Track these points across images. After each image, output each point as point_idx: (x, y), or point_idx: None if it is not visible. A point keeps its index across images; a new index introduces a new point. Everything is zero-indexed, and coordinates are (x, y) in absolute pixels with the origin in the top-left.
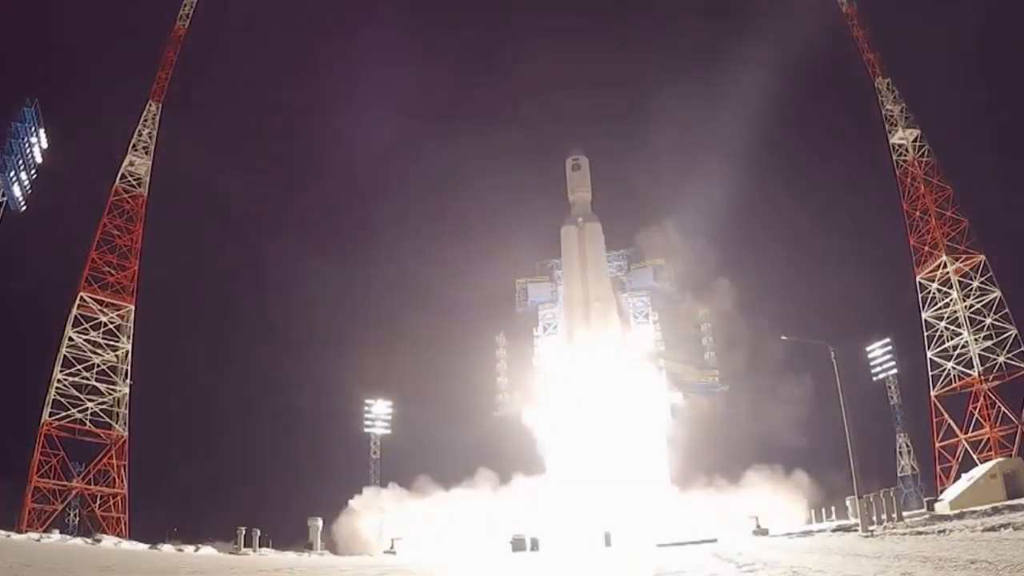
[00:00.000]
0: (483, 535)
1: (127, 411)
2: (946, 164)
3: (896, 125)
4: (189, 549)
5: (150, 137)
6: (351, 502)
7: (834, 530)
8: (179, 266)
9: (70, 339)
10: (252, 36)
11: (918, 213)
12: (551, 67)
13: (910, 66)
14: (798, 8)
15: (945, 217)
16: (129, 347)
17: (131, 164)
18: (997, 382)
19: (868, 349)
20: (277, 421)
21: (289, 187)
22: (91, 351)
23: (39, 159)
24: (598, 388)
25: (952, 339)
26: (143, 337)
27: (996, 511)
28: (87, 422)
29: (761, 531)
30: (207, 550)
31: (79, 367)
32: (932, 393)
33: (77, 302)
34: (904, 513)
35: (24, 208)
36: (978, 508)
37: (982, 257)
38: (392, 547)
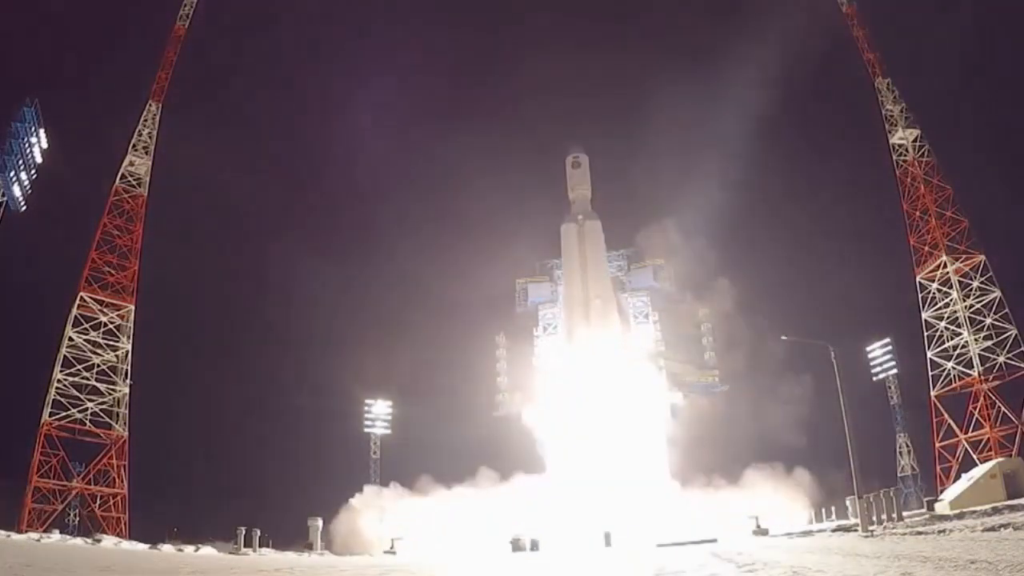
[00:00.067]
0: (483, 535)
1: (127, 411)
2: (946, 164)
3: (896, 125)
4: (189, 549)
5: (150, 137)
6: (352, 500)
7: (834, 530)
8: (179, 266)
9: (70, 339)
10: (252, 36)
11: (918, 213)
12: (551, 67)
13: (910, 66)
14: (798, 8)
15: (945, 217)
16: (129, 347)
17: (131, 164)
18: (997, 382)
19: (868, 349)
20: (277, 421)
21: (289, 187)
22: (91, 351)
23: (39, 159)
24: (598, 388)
25: (952, 339)
26: (143, 337)
27: (996, 511)
28: (87, 422)
29: (761, 531)
30: (207, 550)
31: (79, 367)
32: (932, 393)
33: (77, 302)
34: (904, 513)
35: (24, 208)
36: (978, 508)
37: (982, 257)
38: (392, 547)
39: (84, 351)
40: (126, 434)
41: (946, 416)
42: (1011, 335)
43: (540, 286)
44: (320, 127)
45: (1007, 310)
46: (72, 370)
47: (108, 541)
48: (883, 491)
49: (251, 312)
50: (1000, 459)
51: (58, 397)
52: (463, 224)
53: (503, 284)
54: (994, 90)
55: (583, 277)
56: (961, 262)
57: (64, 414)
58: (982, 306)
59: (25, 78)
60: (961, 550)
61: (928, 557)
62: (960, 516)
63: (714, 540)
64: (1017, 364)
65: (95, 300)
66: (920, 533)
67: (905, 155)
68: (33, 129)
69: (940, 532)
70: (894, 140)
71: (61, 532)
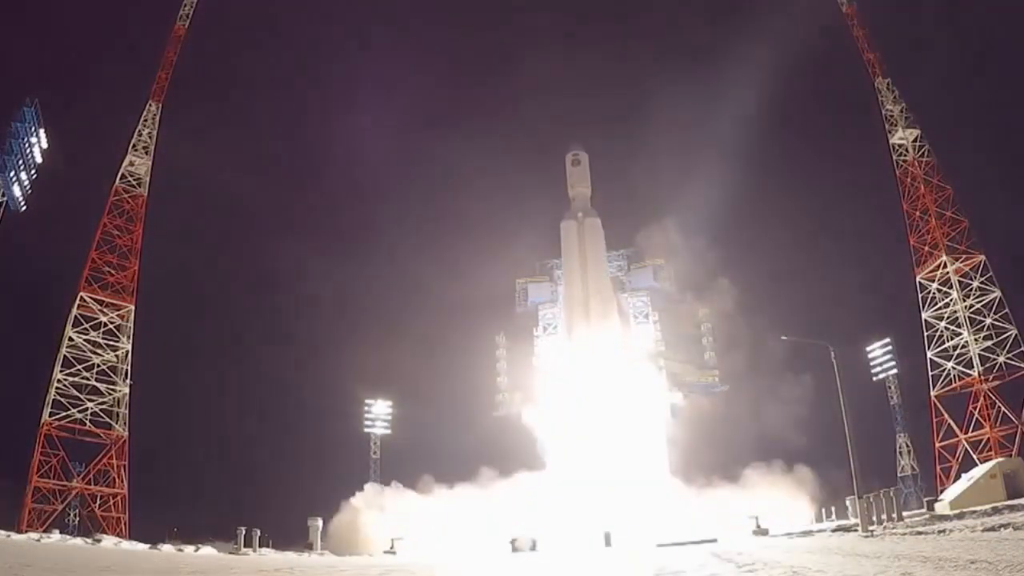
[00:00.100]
0: (483, 535)
1: (127, 411)
2: (946, 164)
3: (896, 125)
4: (189, 549)
5: (150, 137)
6: (353, 500)
7: (834, 530)
8: (179, 266)
9: (70, 339)
10: (252, 36)
11: (918, 213)
12: (551, 67)
13: (910, 66)
14: (798, 8)
15: (945, 217)
16: (129, 347)
17: (131, 164)
18: (997, 382)
19: (868, 349)
20: (277, 421)
21: (289, 187)
22: (91, 351)
23: (39, 159)
24: (598, 388)
25: (952, 339)
26: (143, 337)
27: (996, 511)
28: (87, 422)
29: (761, 531)
30: (207, 550)
31: (79, 367)
32: (932, 393)
33: (77, 302)
34: (904, 513)
35: (24, 208)
36: (978, 508)
37: (982, 257)
38: (392, 547)
39: (84, 351)
40: (126, 434)
41: (946, 416)
42: (1011, 335)
43: (540, 286)
44: (320, 127)
45: (1007, 310)
46: (72, 370)
47: (108, 541)
48: (883, 491)
49: (251, 312)
50: (1000, 459)
51: (58, 397)
52: (463, 224)
53: (503, 284)
54: (994, 90)
55: (583, 274)
56: (961, 262)
57: (64, 414)
58: (982, 306)
59: (25, 78)
60: (961, 550)
61: (928, 557)
62: (960, 516)
63: (714, 540)
64: (1017, 364)
65: (95, 300)
66: (920, 533)
67: (905, 155)
68: (33, 129)
69: (940, 532)
70: (894, 140)
71: (61, 532)
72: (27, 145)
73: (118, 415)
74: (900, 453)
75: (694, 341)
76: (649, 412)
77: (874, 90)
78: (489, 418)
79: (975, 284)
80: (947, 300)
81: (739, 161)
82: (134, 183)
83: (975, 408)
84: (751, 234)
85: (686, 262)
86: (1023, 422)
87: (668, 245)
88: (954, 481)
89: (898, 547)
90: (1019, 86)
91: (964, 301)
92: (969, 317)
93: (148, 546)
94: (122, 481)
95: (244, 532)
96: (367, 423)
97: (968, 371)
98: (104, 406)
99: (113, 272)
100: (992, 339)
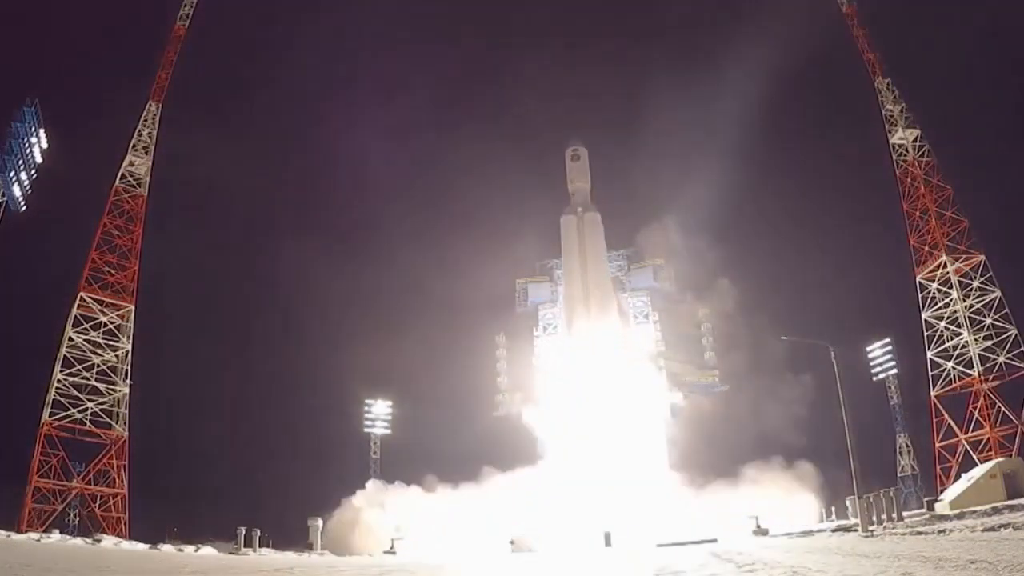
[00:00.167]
0: (483, 534)
1: (127, 411)
2: (946, 164)
3: (896, 125)
4: (189, 549)
5: (150, 137)
6: (354, 499)
7: (834, 530)
8: (179, 266)
9: (70, 339)
10: (252, 36)
11: (918, 213)
12: (551, 67)
13: (910, 66)
14: (798, 8)
15: (945, 217)
16: (129, 347)
17: (131, 164)
18: (997, 382)
19: (868, 349)
20: (277, 421)
21: (289, 187)
22: (91, 351)
23: (39, 159)
24: (598, 388)
25: (952, 339)
26: (143, 337)
27: (996, 511)
28: (87, 422)
29: (761, 531)
30: (207, 550)
31: (79, 367)
32: (932, 393)
33: (77, 302)
34: (904, 513)
35: (24, 208)
36: (978, 508)
37: (982, 257)
38: (392, 547)
39: (84, 351)
40: (126, 434)
41: (946, 416)
42: (1011, 335)
43: (540, 286)
44: (320, 127)
45: (1007, 310)
46: (72, 370)
47: (108, 541)
48: (883, 491)
49: (251, 312)
50: (1000, 459)
51: (58, 397)
52: (463, 224)
53: (503, 284)
54: (994, 90)
55: (583, 269)
56: (961, 262)
57: (64, 414)
58: (982, 306)
59: (25, 78)
60: (961, 550)
61: (928, 557)
62: (960, 516)
63: (714, 540)
64: (1017, 364)
65: (95, 300)
66: (920, 533)
67: (905, 155)
68: (33, 129)
69: (940, 532)
70: (894, 140)
71: (61, 532)
72: (27, 145)
73: (118, 415)
74: (900, 453)
75: (694, 341)
76: (649, 412)
77: (874, 90)
78: (489, 418)
79: (975, 284)
80: (947, 300)
81: (738, 161)
82: (134, 183)
83: (975, 408)
84: (751, 234)
85: (686, 262)
86: (1023, 422)
87: (668, 245)
88: (954, 481)
89: (898, 547)
90: (1019, 86)
91: (964, 301)
92: (969, 317)
93: (148, 546)
94: (122, 481)
95: (244, 532)
96: (367, 423)
97: (968, 371)
98: (104, 406)
99: (113, 272)
100: (992, 339)
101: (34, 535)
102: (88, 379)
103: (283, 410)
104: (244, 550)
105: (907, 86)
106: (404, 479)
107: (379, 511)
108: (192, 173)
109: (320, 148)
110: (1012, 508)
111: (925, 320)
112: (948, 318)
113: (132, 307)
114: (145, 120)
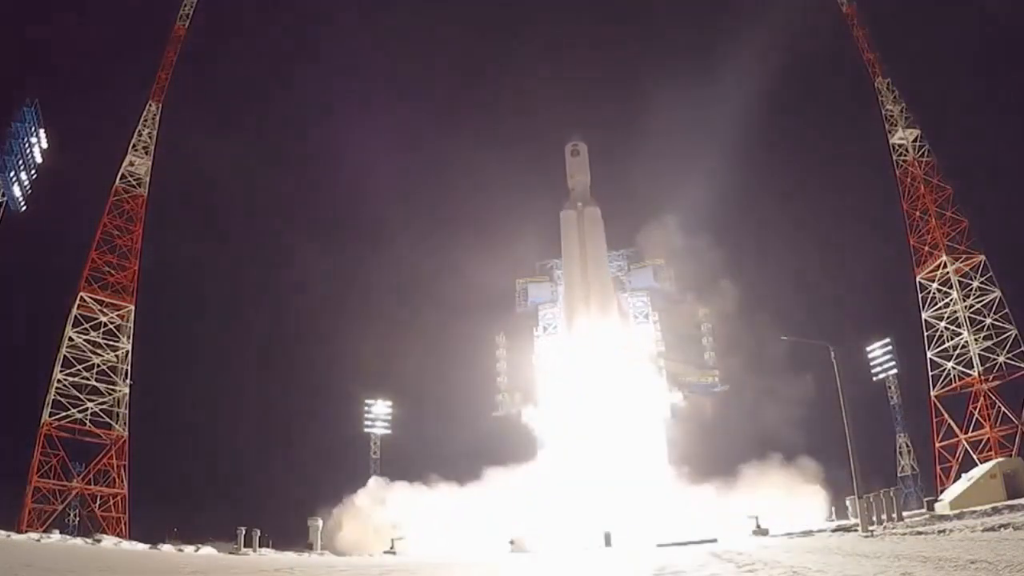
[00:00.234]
0: (483, 534)
1: (127, 411)
2: (946, 164)
3: (896, 125)
4: (189, 549)
5: (150, 137)
6: (355, 498)
7: (834, 530)
8: (179, 266)
9: (70, 339)
10: (252, 36)
11: (918, 213)
12: (551, 67)
13: (910, 66)
14: (798, 8)
15: (945, 217)
16: (129, 347)
17: (131, 164)
18: (997, 382)
19: (868, 349)
20: (277, 421)
21: (289, 187)
22: (91, 351)
23: (39, 159)
24: (598, 388)
25: (952, 339)
26: (143, 337)
27: (996, 511)
28: (87, 422)
29: (761, 531)
30: (207, 550)
31: (79, 367)
32: (932, 393)
33: (77, 302)
34: (904, 513)
35: (24, 208)
36: (978, 508)
37: (982, 257)
38: (392, 547)
39: (84, 351)
40: (126, 434)
41: (946, 416)
42: (1011, 335)
43: (540, 286)
44: (321, 127)
45: (1007, 310)
46: (72, 370)
47: (108, 541)
48: (883, 491)
49: (251, 312)
50: (1000, 459)
51: (58, 397)
52: (464, 224)
53: (503, 284)
54: (994, 90)
55: (583, 263)
56: (961, 262)
57: (64, 414)
58: (982, 306)
59: (25, 78)
60: (961, 550)
61: (928, 557)
62: (960, 516)
63: (714, 540)
64: (1017, 364)
65: (95, 300)
66: (920, 533)
67: (905, 155)
68: (33, 129)
69: (940, 532)
70: (894, 140)
71: (61, 532)
72: (27, 145)
73: (118, 415)
74: (900, 453)
75: (694, 341)
76: (649, 412)
77: (874, 90)
78: (489, 418)
79: (975, 284)
80: (947, 300)
81: (739, 161)
82: (134, 183)
83: (975, 408)
84: (751, 234)
85: (686, 262)
86: (1023, 422)
87: (668, 245)
88: (954, 481)
89: (898, 547)
90: (1019, 86)
91: (964, 301)
92: (969, 317)
93: (148, 546)
94: (122, 481)
95: (244, 532)
96: (367, 423)
97: (968, 371)
98: (104, 406)
99: (113, 272)
100: (992, 339)
101: (34, 535)
102: (88, 379)
103: (283, 410)
104: (244, 550)
105: (907, 86)
106: (404, 479)
107: (380, 511)
108: (192, 173)
109: (320, 148)
110: (1012, 508)
111: (925, 320)
112: (948, 318)
113: (132, 307)
114: (145, 120)
